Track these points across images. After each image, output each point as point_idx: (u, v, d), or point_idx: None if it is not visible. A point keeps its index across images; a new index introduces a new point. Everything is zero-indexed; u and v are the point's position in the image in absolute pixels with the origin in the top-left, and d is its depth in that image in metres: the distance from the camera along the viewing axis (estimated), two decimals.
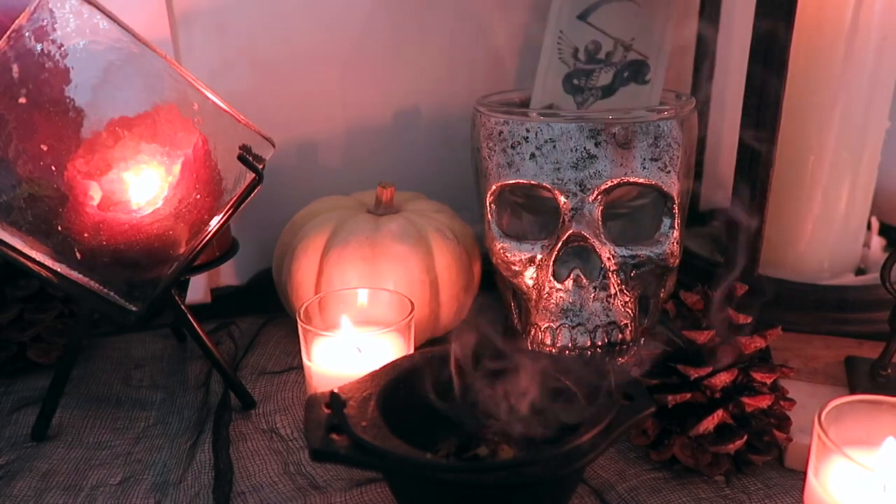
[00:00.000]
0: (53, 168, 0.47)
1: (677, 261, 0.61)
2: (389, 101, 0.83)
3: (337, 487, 0.50)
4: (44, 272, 0.50)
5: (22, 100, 0.45)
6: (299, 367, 0.65)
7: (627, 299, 0.59)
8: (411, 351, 0.55)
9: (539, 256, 0.59)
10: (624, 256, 0.58)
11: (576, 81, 0.68)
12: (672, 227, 0.59)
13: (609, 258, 0.58)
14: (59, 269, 0.50)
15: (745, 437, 0.48)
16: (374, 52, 0.80)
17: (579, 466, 0.38)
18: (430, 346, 0.56)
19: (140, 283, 0.52)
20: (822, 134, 0.69)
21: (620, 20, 0.67)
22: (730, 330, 0.50)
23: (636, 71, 0.65)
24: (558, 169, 0.56)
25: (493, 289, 0.69)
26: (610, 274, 0.58)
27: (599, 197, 0.57)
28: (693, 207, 0.84)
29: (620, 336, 0.58)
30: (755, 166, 0.65)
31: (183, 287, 0.69)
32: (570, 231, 0.57)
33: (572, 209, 0.57)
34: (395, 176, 0.71)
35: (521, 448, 0.45)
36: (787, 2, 0.59)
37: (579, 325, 0.57)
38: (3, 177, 0.47)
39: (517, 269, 0.61)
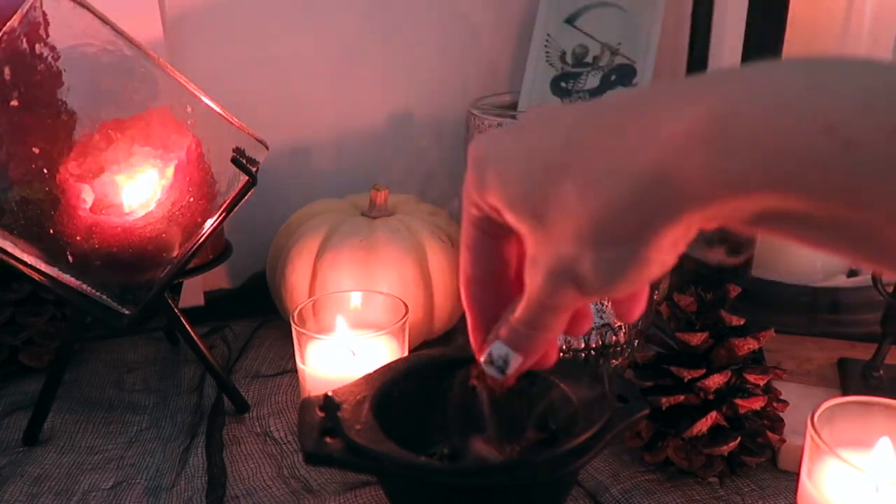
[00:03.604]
0: (45, 171, 0.47)
1: None
2: (383, 103, 0.83)
3: (331, 491, 0.50)
4: (36, 275, 0.49)
5: (14, 102, 0.45)
6: (293, 370, 0.65)
7: None
8: (405, 354, 0.55)
9: None
10: None
11: (563, 84, 0.68)
12: None
13: None
14: (51, 273, 0.50)
15: (739, 439, 0.48)
16: (367, 54, 0.80)
17: (574, 469, 0.38)
18: (425, 349, 0.56)
19: (133, 286, 0.52)
20: None
21: (607, 25, 0.68)
22: (723, 332, 0.50)
23: (623, 75, 0.66)
24: None
25: None
26: None
27: None
28: None
29: (614, 338, 0.58)
30: None
31: (176, 290, 0.68)
32: None
33: None
34: (389, 179, 0.71)
35: (516, 451, 0.45)
36: (778, 3, 0.59)
37: None
38: None
39: None
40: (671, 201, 0.23)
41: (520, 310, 0.29)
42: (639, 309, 0.31)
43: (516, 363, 0.31)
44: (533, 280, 0.28)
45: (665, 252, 0.25)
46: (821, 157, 0.19)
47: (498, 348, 0.31)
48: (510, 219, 0.28)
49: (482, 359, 0.32)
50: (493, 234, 0.31)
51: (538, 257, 0.27)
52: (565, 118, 0.26)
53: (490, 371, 0.31)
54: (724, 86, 0.22)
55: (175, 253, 0.53)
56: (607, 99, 0.25)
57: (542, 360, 0.32)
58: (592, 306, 0.57)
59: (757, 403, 0.49)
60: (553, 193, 0.25)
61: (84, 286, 0.51)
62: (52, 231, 0.48)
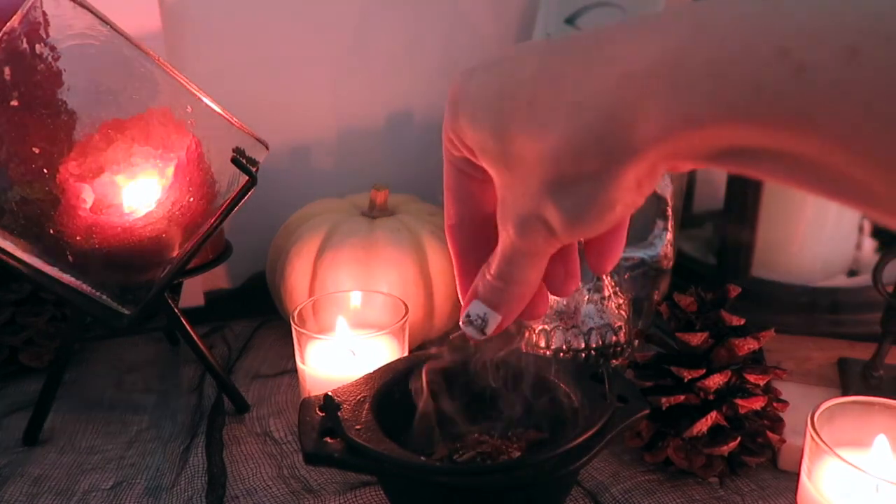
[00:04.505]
0: (45, 171, 0.47)
1: (671, 263, 0.61)
2: (383, 103, 0.83)
3: (331, 491, 0.50)
4: (36, 276, 0.49)
5: (14, 102, 0.45)
6: (293, 370, 0.65)
7: (621, 301, 0.59)
8: (406, 353, 0.55)
9: None
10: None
11: None
12: (665, 229, 0.59)
13: None
14: (51, 273, 0.50)
15: (739, 439, 0.48)
16: (367, 54, 0.80)
17: (574, 469, 0.38)
18: (425, 349, 0.56)
19: (133, 286, 0.52)
20: None
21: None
22: (723, 332, 0.50)
23: None
24: None
25: None
26: (604, 276, 0.58)
27: None
28: (687, 209, 0.84)
29: (614, 338, 0.58)
30: None
31: (176, 290, 0.68)
32: None
33: None
34: (389, 178, 0.71)
35: (517, 450, 0.45)
36: None
37: (573, 327, 0.57)
38: None
39: None
40: (629, 138, 0.22)
41: (494, 262, 0.29)
42: (611, 260, 0.30)
43: (494, 322, 0.30)
44: (504, 225, 0.27)
45: (630, 192, 0.25)
46: (773, 82, 0.19)
47: (475, 307, 0.30)
48: (483, 162, 0.27)
49: (461, 320, 0.31)
50: (472, 175, 0.30)
51: (507, 201, 0.27)
52: (538, 50, 0.25)
53: (469, 331, 0.31)
54: (682, 18, 0.21)
55: (175, 253, 0.53)
56: (580, 33, 0.25)
57: (530, 310, 0.31)
58: (592, 306, 0.57)
59: (757, 403, 0.49)
60: (518, 132, 0.25)
61: (84, 286, 0.51)
62: (52, 231, 0.48)
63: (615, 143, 0.23)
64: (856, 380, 0.58)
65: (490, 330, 0.30)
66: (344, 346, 0.55)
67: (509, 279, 0.29)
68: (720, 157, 0.22)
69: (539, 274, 0.29)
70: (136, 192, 0.50)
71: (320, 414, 0.41)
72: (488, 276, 0.29)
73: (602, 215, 0.25)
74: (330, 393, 0.43)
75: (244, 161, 0.52)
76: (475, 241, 0.32)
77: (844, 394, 0.56)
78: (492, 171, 0.27)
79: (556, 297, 0.57)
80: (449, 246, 0.32)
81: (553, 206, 0.25)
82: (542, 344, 0.58)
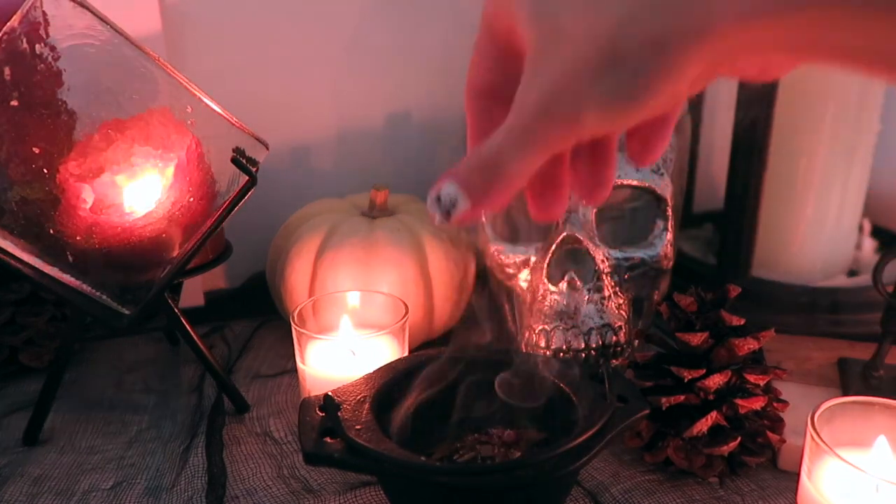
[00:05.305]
0: (46, 171, 0.47)
1: (671, 263, 0.61)
2: (383, 103, 0.83)
3: (331, 491, 0.50)
4: (36, 275, 0.49)
5: (14, 102, 0.45)
6: (293, 370, 0.65)
7: (621, 301, 0.59)
8: (405, 353, 0.55)
9: (533, 259, 0.59)
10: (618, 259, 0.58)
11: None
12: (666, 229, 0.59)
13: (603, 261, 0.58)
14: (51, 273, 0.50)
15: (739, 439, 0.48)
16: (367, 54, 0.80)
17: (574, 469, 0.38)
18: (425, 349, 0.56)
19: (133, 286, 0.52)
20: (813, 136, 0.69)
21: None
22: (723, 332, 0.50)
23: None
24: None
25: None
26: (604, 276, 0.58)
27: None
28: (687, 209, 0.84)
29: (615, 338, 0.58)
30: (748, 169, 0.65)
31: (176, 290, 0.68)
32: (564, 234, 0.57)
33: (566, 212, 0.57)
34: (389, 178, 0.71)
35: (517, 450, 0.45)
36: None
37: (573, 327, 0.57)
38: None
39: (511, 271, 0.61)
40: (706, 13, 0.20)
41: (490, 142, 0.26)
42: (655, 152, 0.28)
43: (464, 208, 0.27)
44: (523, 100, 0.24)
45: (681, 85, 0.22)
46: None
47: (448, 188, 0.27)
48: (525, 34, 0.25)
49: (431, 194, 0.28)
50: (504, 41, 0.27)
51: (537, 74, 0.24)
52: None
53: (434, 210, 0.28)
54: None
55: (175, 253, 0.53)
56: None
57: (544, 210, 0.29)
58: (592, 306, 0.57)
59: (757, 403, 0.49)
60: (571, 3, 0.23)
61: (84, 286, 0.50)
62: (52, 231, 0.48)
63: (686, 17, 0.20)
64: (856, 380, 0.58)
65: (456, 217, 0.27)
66: (344, 346, 0.55)
67: (498, 166, 0.25)
68: (791, 50, 0.20)
69: (532, 170, 0.25)
70: (136, 192, 0.50)
71: (320, 414, 0.41)
72: (475, 158, 0.26)
73: (645, 99, 0.22)
74: (330, 393, 0.43)
75: (244, 161, 0.52)
76: (495, 111, 0.29)
77: (844, 394, 0.56)
78: (531, 44, 0.24)
79: (555, 298, 0.57)
80: (466, 112, 0.29)
81: (591, 89, 0.22)
82: (542, 344, 0.58)
